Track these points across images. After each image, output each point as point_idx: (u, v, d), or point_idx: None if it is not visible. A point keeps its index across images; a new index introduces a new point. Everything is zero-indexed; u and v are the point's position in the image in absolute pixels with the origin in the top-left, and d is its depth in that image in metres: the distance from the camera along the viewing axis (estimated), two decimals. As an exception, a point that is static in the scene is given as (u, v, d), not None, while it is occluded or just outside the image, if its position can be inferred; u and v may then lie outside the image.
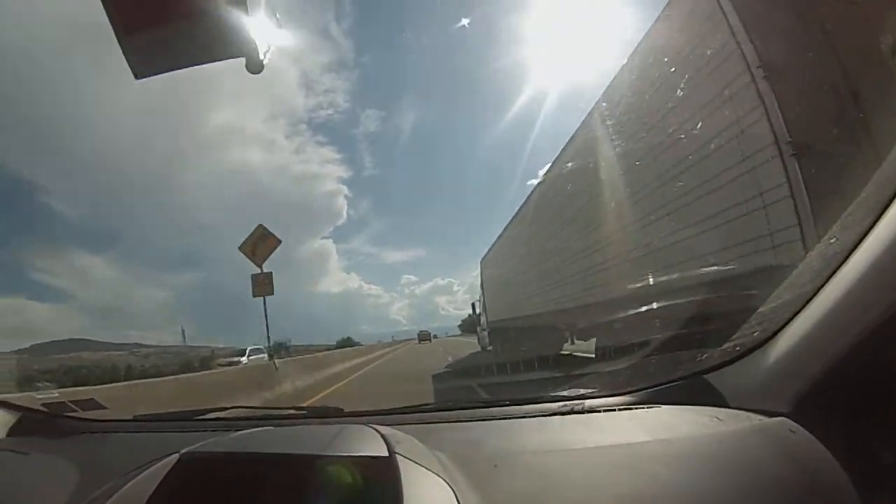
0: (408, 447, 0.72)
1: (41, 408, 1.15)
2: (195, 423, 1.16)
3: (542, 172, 8.36)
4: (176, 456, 0.69)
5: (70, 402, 1.22)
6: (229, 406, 1.33)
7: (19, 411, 1.10)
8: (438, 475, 0.67)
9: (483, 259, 13.73)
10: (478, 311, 14.04)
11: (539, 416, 1.00)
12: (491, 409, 1.09)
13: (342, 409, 1.11)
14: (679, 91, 3.94)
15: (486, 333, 13.11)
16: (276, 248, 8.27)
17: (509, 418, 1.01)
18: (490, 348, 12.60)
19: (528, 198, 9.17)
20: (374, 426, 0.79)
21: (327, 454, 0.68)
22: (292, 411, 1.16)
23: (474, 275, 14.56)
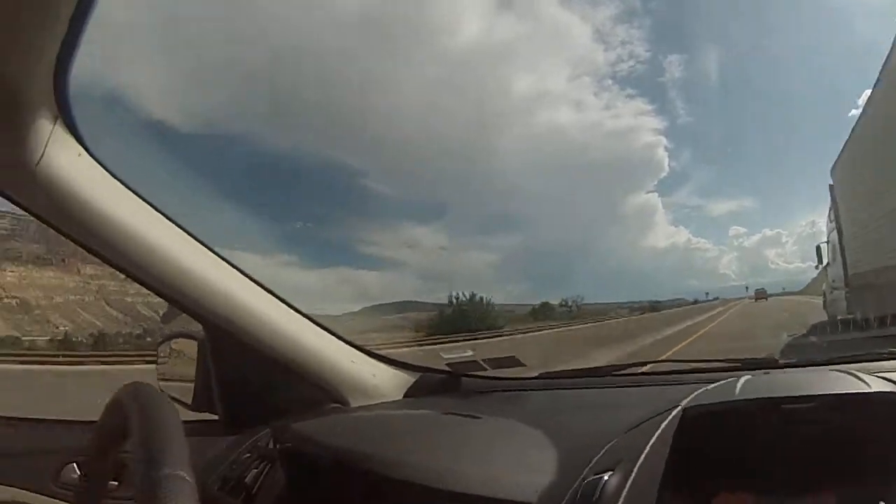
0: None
1: (444, 367, 1.16)
2: (613, 378, 1.11)
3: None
4: (679, 409, 0.65)
5: (482, 360, 1.22)
6: (647, 361, 1.29)
7: (418, 371, 1.12)
8: None
9: (835, 168, 7.09)
10: (824, 259, 8.15)
11: None
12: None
13: (776, 359, 1.01)
14: None
15: (840, 294, 7.26)
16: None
17: None
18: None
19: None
20: (853, 371, 0.71)
21: (837, 393, 0.64)
22: (721, 363, 1.05)
23: (803, 224, 12.46)
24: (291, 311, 0.98)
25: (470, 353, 1.27)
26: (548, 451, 0.70)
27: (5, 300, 13.29)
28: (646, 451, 0.59)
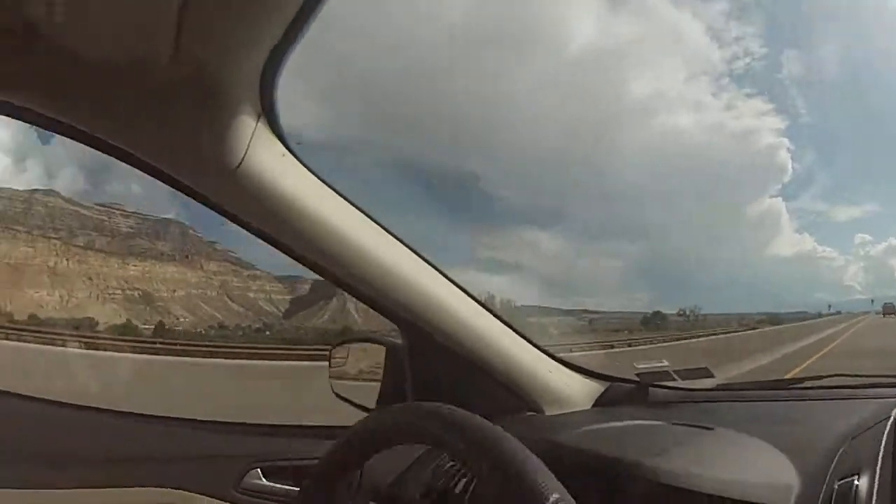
0: None
1: (632, 377, 1.13)
2: (799, 391, 1.08)
3: None
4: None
5: (673, 371, 1.15)
6: (824, 375, 1.17)
7: (607, 380, 1.10)
8: None
9: None
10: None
11: None
12: None
13: None
14: None
15: None
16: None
17: None
18: None
19: None
20: None
21: None
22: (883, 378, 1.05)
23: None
24: (492, 316, 0.96)
25: (665, 362, 1.21)
26: (779, 459, 0.71)
27: (128, 292, 13.27)
28: (880, 458, 0.63)
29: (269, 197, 0.73)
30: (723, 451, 0.79)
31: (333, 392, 1.07)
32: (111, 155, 0.70)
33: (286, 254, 0.83)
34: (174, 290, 13.48)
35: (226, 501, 0.97)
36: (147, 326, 12.11)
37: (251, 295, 13.93)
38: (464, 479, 0.81)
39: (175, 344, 10.69)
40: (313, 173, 0.78)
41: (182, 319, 13.09)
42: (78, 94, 0.62)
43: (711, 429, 0.85)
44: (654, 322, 13.76)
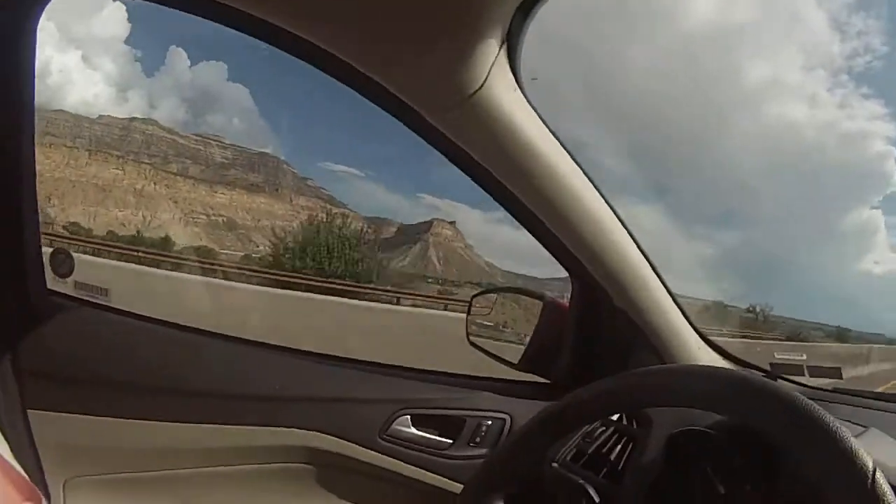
0: None
1: (765, 367, 1.05)
2: None
3: None
4: None
5: (807, 366, 1.10)
6: None
7: (741, 366, 1.03)
8: None
9: None
10: None
11: None
12: None
13: None
14: None
15: None
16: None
17: None
18: None
19: None
20: None
21: None
22: None
23: None
24: (662, 287, 0.93)
25: (804, 356, 1.18)
26: None
27: (212, 217, 12.71)
28: None
29: (495, 131, 0.71)
30: (885, 451, 0.68)
31: (469, 340, 1.05)
32: (337, 77, 0.68)
33: (490, 192, 0.82)
34: (258, 220, 12.96)
35: (372, 449, 0.91)
36: (225, 252, 11.96)
37: (335, 231, 12.87)
38: (617, 447, 0.82)
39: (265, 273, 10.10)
40: (537, 113, 0.74)
41: (261, 248, 12.35)
42: (320, 10, 0.61)
43: (866, 428, 0.79)
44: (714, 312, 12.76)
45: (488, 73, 0.62)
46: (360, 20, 0.60)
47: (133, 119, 13.39)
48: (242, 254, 11.65)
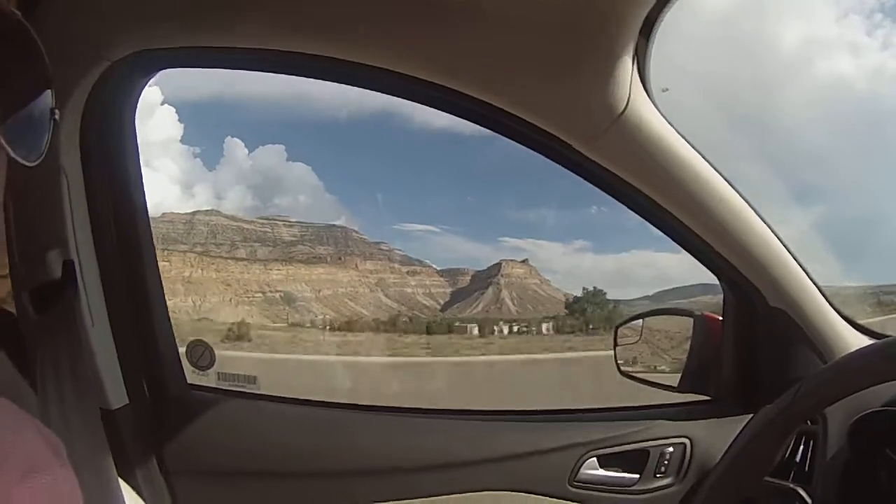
0: None
1: None
2: None
3: None
4: None
5: None
6: None
7: None
8: None
9: None
10: None
11: None
12: None
13: None
14: None
15: None
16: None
17: None
18: None
19: None
20: None
21: None
22: None
23: None
24: (811, 281, 0.92)
25: None
26: None
27: (269, 294, 11.87)
28: None
29: (646, 148, 0.70)
30: None
31: (620, 371, 1.05)
32: (480, 122, 0.69)
33: (641, 212, 0.82)
34: (319, 290, 11.95)
35: (565, 498, 0.92)
36: (278, 324, 11.47)
37: (409, 290, 12.74)
38: (801, 447, 0.80)
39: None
40: (680, 133, 0.75)
41: (324, 317, 11.85)
42: (462, 59, 0.62)
43: None
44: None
45: (629, 93, 0.64)
46: (499, 62, 0.62)
47: (195, 212, 13.41)
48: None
